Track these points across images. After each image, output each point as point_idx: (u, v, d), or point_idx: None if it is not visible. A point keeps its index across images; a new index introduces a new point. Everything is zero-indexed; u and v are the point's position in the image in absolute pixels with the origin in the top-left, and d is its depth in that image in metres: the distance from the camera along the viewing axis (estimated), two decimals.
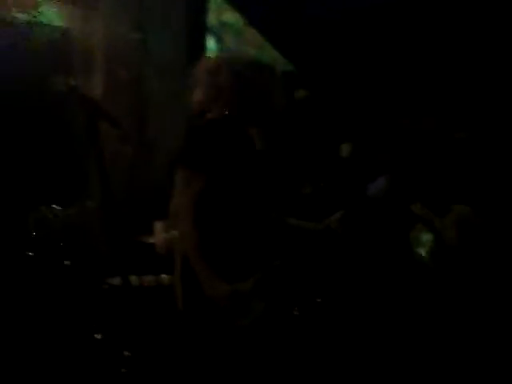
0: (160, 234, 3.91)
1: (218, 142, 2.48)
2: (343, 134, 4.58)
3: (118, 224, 2.28)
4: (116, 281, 3.80)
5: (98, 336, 3.61)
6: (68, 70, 4.86)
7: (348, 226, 4.13)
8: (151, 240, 3.66)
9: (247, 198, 2.56)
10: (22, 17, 4.59)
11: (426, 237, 3.93)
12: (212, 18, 6.27)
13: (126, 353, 3.36)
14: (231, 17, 6.51)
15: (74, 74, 4.91)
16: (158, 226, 4.01)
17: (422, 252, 3.97)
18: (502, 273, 4.11)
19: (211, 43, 6.31)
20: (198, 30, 5.93)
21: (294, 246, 3.89)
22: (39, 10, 4.66)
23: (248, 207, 2.56)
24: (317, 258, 4.19)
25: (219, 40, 6.46)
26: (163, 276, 3.57)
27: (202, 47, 6.06)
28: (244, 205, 2.55)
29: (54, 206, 2.36)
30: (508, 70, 5.01)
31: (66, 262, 3.85)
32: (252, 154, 2.60)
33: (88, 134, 2.03)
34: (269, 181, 2.68)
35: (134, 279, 3.60)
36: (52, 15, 4.79)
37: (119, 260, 3.33)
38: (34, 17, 4.66)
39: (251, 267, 2.57)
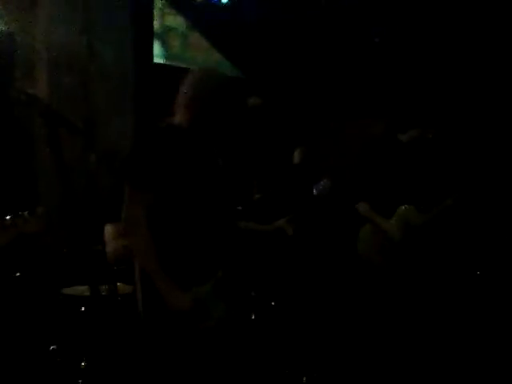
0: (111, 242, 3.87)
1: (164, 156, 2.46)
2: (292, 140, 4.67)
3: (76, 232, 2.25)
4: (70, 291, 3.74)
5: (54, 347, 3.54)
6: (11, 75, 4.75)
7: (297, 226, 4.20)
8: (101, 247, 3.60)
9: (199, 205, 2.56)
10: None
11: (370, 235, 4.04)
12: (156, 23, 6.24)
13: (84, 364, 3.31)
14: (175, 21, 6.49)
15: (17, 78, 4.80)
16: (109, 231, 3.97)
17: (367, 250, 4.07)
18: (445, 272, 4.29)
19: (157, 48, 6.28)
20: (143, 33, 5.89)
21: (246, 247, 3.93)
22: None
23: (200, 213, 2.56)
24: (269, 258, 4.24)
25: (164, 45, 6.43)
26: (118, 284, 3.53)
27: (148, 51, 6.03)
28: (196, 211, 2.55)
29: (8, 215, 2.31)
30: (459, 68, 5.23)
31: (17, 274, 3.76)
32: (203, 162, 2.60)
33: (49, 142, 2.00)
34: (221, 186, 2.70)
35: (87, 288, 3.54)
36: None
37: (77, 269, 3.29)
38: None
39: (208, 270, 2.58)
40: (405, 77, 5.56)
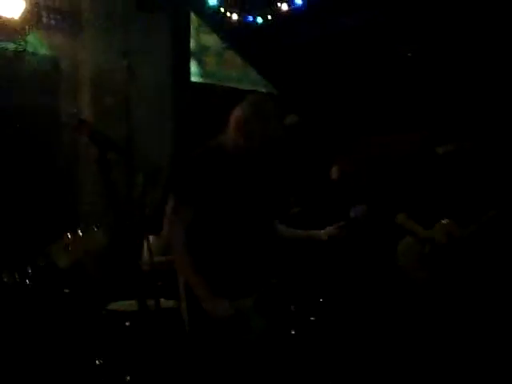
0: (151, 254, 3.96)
1: (206, 174, 2.57)
2: (330, 157, 4.72)
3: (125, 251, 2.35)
4: (115, 306, 3.82)
5: (100, 361, 3.63)
6: (57, 98, 4.94)
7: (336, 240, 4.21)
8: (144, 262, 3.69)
9: (241, 221, 2.63)
10: (9, 45, 4.66)
11: (409, 248, 4.02)
12: (192, 41, 6.39)
13: (129, 378, 3.39)
14: (210, 39, 6.62)
15: (61, 100, 4.99)
16: (151, 242, 4.06)
17: (407, 263, 4.06)
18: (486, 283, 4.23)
19: (193, 67, 6.42)
20: (181, 53, 6.04)
21: (289, 262, 3.97)
22: (26, 39, 4.72)
23: (242, 229, 2.64)
24: (309, 272, 4.27)
25: (201, 63, 6.57)
26: (162, 300, 3.61)
27: (185, 71, 6.18)
28: (237, 227, 2.62)
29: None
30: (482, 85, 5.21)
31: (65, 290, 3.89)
32: (244, 179, 2.69)
33: (99, 165, 2.10)
34: (262, 203, 2.77)
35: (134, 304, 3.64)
36: (39, 43, 4.86)
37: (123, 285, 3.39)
38: (21, 46, 4.72)
39: (250, 284, 2.65)
40: (438, 91, 5.56)
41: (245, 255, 2.64)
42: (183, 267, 2.60)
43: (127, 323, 3.69)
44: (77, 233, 2.43)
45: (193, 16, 6.15)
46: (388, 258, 4.18)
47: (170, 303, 3.61)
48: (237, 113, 2.69)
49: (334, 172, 4.47)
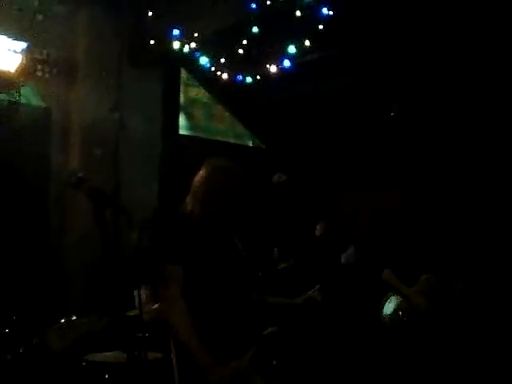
0: (145, 305, 3.97)
1: (194, 235, 2.64)
2: (315, 213, 4.83)
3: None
4: (97, 357, 3.81)
5: None
6: (47, 148, 5.03)
7: (327, 295, 4.27)
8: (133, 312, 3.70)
9: (230, 281, 2.69)
10: (2, 96, 4.76)
11: (394, 303, 4.09)
12: (181, 95, 6.54)
13: None
14: (199, 93, 6.79)
15: (52, 151, 5.08)
16: (144, 293, 4.08)
17: (390, 316, 4.11)
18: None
19: (182, 120, 6.56)
20: (171, 107, 6.19)
21: (277, 319, 4.01)
22: (20, 90, 4.84)
23: (231, 289, 2.69)
24: (299, 329, 4.31)
25: (189, 116, 6.71)
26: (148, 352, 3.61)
27: (174, 124, 6.32)
28: (228, 287, 2.67)
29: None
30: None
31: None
32: (222, 246, 2.76)
33: (97, 221, 2.16)
34: (243, 265, 2.82)
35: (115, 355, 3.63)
36: (32, 95, 4.97)
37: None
38: (15, 97, 4.83)
39: (244, 343, 2.69)
40: (419, 147, 5.74)
41: (237, 314, 2.69)
42: (183, 330, 2.60)
43: (106, 375, 3.67)
44: (70, 318, 2.48)
45: (182, 70, 6.34)
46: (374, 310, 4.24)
47: (154, 355, 3.62)
48: (195, 183, 2.78)
49: (320, 229, 4.58)
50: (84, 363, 3.73)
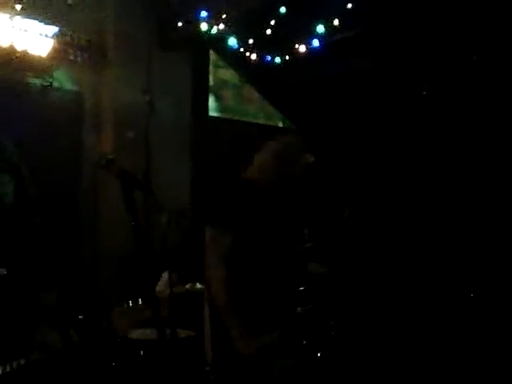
0: (166, 289, 4.06)
1: (244, 202, 2.68)
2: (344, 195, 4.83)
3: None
4: (131, 334, 3.90)
5: None
6: (80, 131, 5.12)
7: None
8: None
9: (271, 254, 2.71)
10: (36, 81, 4.85)
11: None
12: (210, 77, 6.55)
13: None
14: (228, 74, 6.78)
15: (85, 134, 5.16)
16: (164, 278, 4.16)
17: None
18: None
19: (211, 102, 6.58)
20: (200, 89, 6.21)
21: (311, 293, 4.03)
22: (52, 74, 4.92)
23: (270, 262, 2.71)
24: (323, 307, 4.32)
25: (218, 98, 6.73)
26: (179, 330, 3.69)
27: (204, 106, 6.35)
28: (268, 260, 2.70)
29: None
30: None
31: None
32: (272, 213, 2.79)
33: (126, 203, 2.20)
34: (286, 238, 2.85)
35: (149, 332, 3.72)
36: (64, 79, 5.05)
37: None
38: (48, 81, 4.91)
39: (277, 318, 2.70)
40: (451, 128, 5.66)
41: (274, 289, 2.71)
42: (220, 301, 2.64)
43: (142, 352, 3.77)
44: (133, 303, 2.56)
45: (211, 52, 6.34)
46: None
47: (187, 333, 3.70)
48: (271, 150, 2.84)
49: (347, 210, 4.58)
50: (119, 340, 3.85)
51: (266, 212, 2.75)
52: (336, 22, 4.80)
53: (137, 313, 2.55)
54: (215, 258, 2.64)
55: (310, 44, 5.02)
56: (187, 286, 3.88)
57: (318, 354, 3.98)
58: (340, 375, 4.08)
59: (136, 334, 3.89)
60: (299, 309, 3.79)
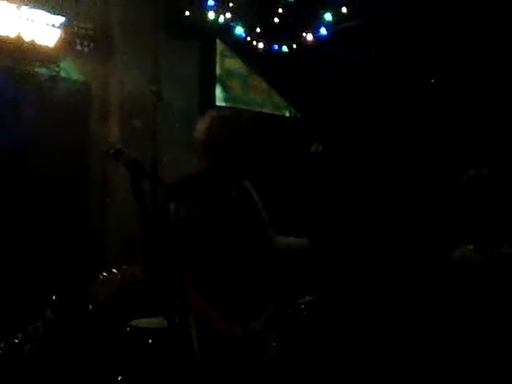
0: None
1: (196, 202, 2.54)
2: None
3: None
4: (138, 323, 3.92)
5: (122, 377, 3.73)
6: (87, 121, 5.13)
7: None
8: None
9: (240, 242, 2.60)
10: (43, 71, 4.85)
11: None
12: (217, 66, 6.53)
13: None
14: (235, 64, 6.76)
15: (92, 124, 5.17)
16: None
17: None
18: None
19: (218, 91, 6.56)
20: (207, 78, 6.20)
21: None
22: (59, 64, 4.92)
23: (242, 248, 2.61)
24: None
25: (225, 87, 6.71)
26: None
27: (211, 95, 6.33)
28: (238, 249, 2.59)
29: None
30: None
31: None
32: (231, 200, 2.66)
33: (134, 192, 2.21)
34: (258, 220, 2.73)
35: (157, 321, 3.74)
36: (71, 69, 5.05)
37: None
38: (55, 71, 4.91)
39: (260, 303, 2.64)
40: (461, 115, 5.63)
41: (250, 276, 2.63)
42: (189, 296, 2.57)
43: (150, 340, 3.79)
44: (111, 271, 2.57)
45: (218, 41, 6.32)
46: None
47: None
48: (196, 136, 2.72)
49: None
50: (128, 329, 3.87)
51: (224, 201, 2.62)
52: (344, 9, 4.77)
53: (124, 277, 2.55)
54: (179, 267, 2.54)
55: (318, 32, 4.99)
56: None
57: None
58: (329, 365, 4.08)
59: (144, 322, 3.92)
60: (307, 297, 3.77)
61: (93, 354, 3.98)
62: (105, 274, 2.59)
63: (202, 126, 2.74)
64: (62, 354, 3.70)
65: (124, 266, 2.60)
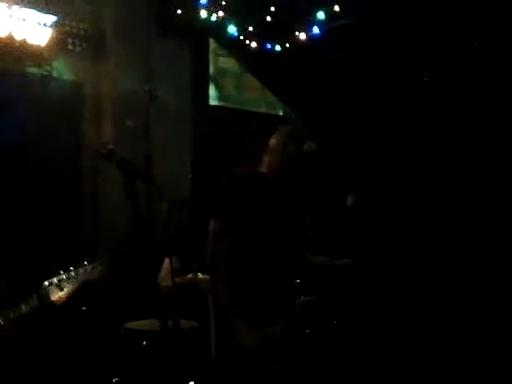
0: (167, 277, 4.05)
1: (248, 197, 2.64)
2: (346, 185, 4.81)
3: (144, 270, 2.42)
4: (132, 325, 3.91)
5: (117, 380, 3.71)
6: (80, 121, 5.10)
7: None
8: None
9: (276, 248, 2.69)
10: (34, 70, 4.82)
11: None
12: (210, 65, 6.51)
13: None
14: (228, 63, 6.74)
15: (85, 124, 5.14)
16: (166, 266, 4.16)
17: None
18: None
19: (212, 90, 6.54)
20: (200, 77, 6.18)
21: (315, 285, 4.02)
22: (51, 63, 4.89)
23: (276, 256, 2.70)
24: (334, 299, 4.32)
25: (218, 87, 6.69)
26: (182, 321, 3.69)
27: (204, 94, 6.31)
28: (272, 255, 2.68)
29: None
30: None
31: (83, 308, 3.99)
32: (281, 208, 2.78)
33: (126, 192, 2.19)
34: (292, 230, 2.84)
35: (152, 323, 3.72)
36: (63, 69, 5.02)
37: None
38: (47, 70, 4.88)
39: (280, 311, 2.69)
40: (454, 115, 5.63)
41: (277, 283, 2.69)
42: (223, 296, 2.61)
43: (144, 342, 3.77)
44: (67, 270, 2.57)
45: (211, 40, 6.30)
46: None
47: (190, 324, 3.70)
48: (275, 138, 2.83)
49: (349, 199, 4.56)
50: (122, 331, 3.86)
51: (274, 207, 2.71)
52: (337, 8, 4.76)
53: (72, 279, 2.55)
54: (218, 257, 2.60)
55: (311, 31, 4.97)
56: (189, 276, 3.87)
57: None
58: (339, 367, 4.09)
59: (137, 324, 3.90)
60: (302, 298, 3.79)
61: (87, 356, 3.97)
62: (61, 273, 2.58)
63: (280, 135, 2.86)
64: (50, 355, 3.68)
65: (85, 263, 2.58)
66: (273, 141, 2.83)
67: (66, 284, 2.70)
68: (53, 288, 2.71)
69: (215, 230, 2.63)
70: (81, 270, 2.74)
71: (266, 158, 2.81)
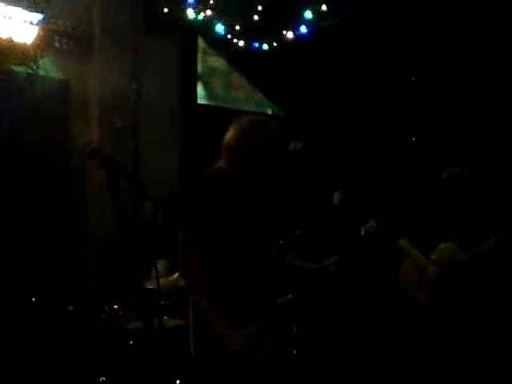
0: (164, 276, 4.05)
1: (214, 199, 2.59)
2: (333, 182, 4.82)
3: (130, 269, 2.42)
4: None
5: (103, 379, 3.70)
6: (66, 120, 5.07)
7: (343, 267, 4.28)
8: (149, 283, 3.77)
9: (248, 244, 2.66)
10: (21, 69, 4.79)
11: (410, 270, 4.09)
12: (198, 64, 6.50)
13: None
14: (217, 62, 6.74)
15: (72, 122, 5.12)
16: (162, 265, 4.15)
17: (407, 285, 4.12)
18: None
19: (200, 89, 6.54)
20: (188, 76, 6.16)
21: (293, 284, 4.04)
22: (38, 62, 4.86)
23: (250, 252, 2.67)
24: (313, 296, 4.33)
25: (207, 86, 6.68)
26: (165, 318, 3.69)
27: (192, 93, 6.30)
28: (246, 251, 2.65)
29: None
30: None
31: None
32: (249, 203, 2.71)
33: (110, 191, 2.18)
34: (267, 225, 2.79)
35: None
36: (50, 67, 4.99)
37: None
38: (33, 69, 4.85)
39: (258, 309, 2.68)
40: (442, 114, 5.66)
41: (254, 279, 2.67)
42: (198, 295, 2.60)
43: (131, 341, 3.77)
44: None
45: (200, 39, 6.29)
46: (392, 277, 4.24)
47: (175, 322, 3.70)
48: (226, 138, 2.70)
49: (336, 197, 4.57)
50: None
51: (240, 202, 2.66)
52: (324, 7, 4.77)
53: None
54: (188, 258, 2.59)
55: (298, 30, 4.98)
56: (175, 276, 3.87)
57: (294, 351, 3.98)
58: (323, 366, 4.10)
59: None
60: (279, 300, 3.80)
61: (73, 356, 3.95)
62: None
63: (233, 130, 2.70)
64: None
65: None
66: (224, 140, 2.70)
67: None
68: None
69: (183, 234, 2.61)
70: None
71: (222, 157, 2.70)
